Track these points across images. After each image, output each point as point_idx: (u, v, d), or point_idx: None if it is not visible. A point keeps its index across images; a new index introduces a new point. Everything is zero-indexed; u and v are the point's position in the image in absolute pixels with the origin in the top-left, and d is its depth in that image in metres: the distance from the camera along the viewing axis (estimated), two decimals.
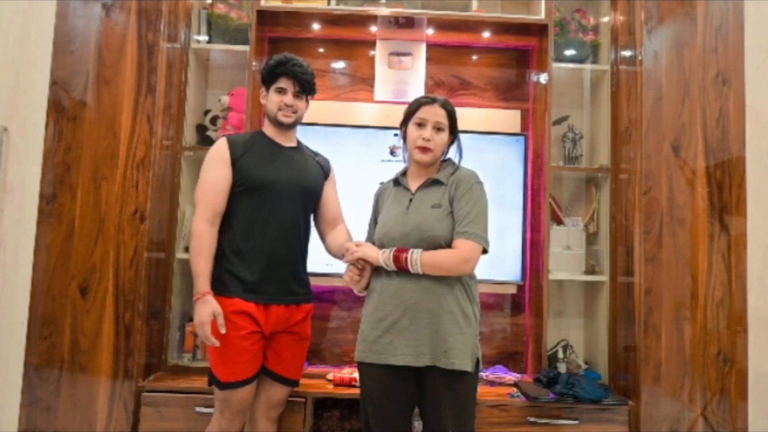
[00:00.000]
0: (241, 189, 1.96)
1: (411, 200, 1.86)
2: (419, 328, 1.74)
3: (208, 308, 1.85)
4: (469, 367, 1.72)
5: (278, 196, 1.97)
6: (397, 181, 1.95)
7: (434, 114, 1.84)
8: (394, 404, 1.79)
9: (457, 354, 1.71)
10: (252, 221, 1.96)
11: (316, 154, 2.18)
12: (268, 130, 2.08)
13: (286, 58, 2.02)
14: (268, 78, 2.04)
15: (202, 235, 1.91)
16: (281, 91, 2.03)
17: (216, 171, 1.96)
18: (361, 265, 1.86)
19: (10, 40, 2.17)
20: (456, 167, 1.89)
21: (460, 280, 1.78)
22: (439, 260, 1.73)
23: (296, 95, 2.04)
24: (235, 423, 1.95)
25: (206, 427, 2.00)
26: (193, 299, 1.88)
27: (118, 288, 2.23)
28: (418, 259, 1.73)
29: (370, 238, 1.98)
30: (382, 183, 2.07)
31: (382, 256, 1.78)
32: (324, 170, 2.16)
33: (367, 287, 1.89)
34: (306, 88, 2.05)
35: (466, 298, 1.78)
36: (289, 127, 2.06)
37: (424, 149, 1.83)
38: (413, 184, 1.90)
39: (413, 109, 1.88)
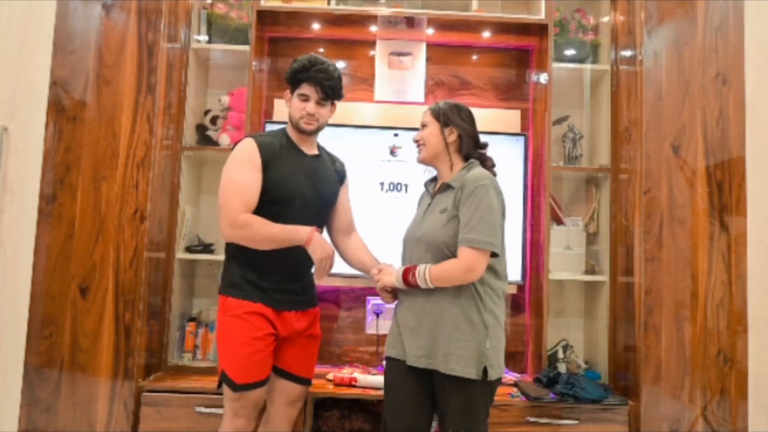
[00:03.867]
0: (265, 199, 1.89)
1: (430, 205, 1.92)
2: (422, 332, 1.78)
3: (323, 241, 1.86)
4: (472, 375, 1.70)
5: (300, 210, 1.93)
6: (426, 186, 2.02)
7: (422, 118, 1.95)
8: (407, 399, 1.81)
9: (457, 360, 1.71)
10: None
11: (334, 160, 2.13)
12: (292, 133, 2.01)
13: (310, 63, 1.92)
14: (292, 81, 1.96)
15: (253, 218, 1.85)
16: (304, 98, 1.94)
17: (248, 173, 1.88)
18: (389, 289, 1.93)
19: (10, 40, 2.17)
20: (469, 170, 1.86)
21: (468, 287, 1.76)
22: (444, 273, 1.75)
23: (319, 102, 1.95)
24: (251, 423, 1.91)
25: (218, 428, 1.95)
26: (306, 244, 1.85)
27: (118, 288, 2.23)
28: (427, 276, 1.76)
29: None
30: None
31: (395, 278, 1.85)
32: (340, 177, 2.12)
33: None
34: (330, 94, 1.95)
35: (473, 306, 1.76)
36: (311, 134, 2.00)
37: (418, 148, 1.94)
38: (435, 188, 1.96)
39: None
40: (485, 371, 1.72)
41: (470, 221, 1.73)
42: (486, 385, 1.74)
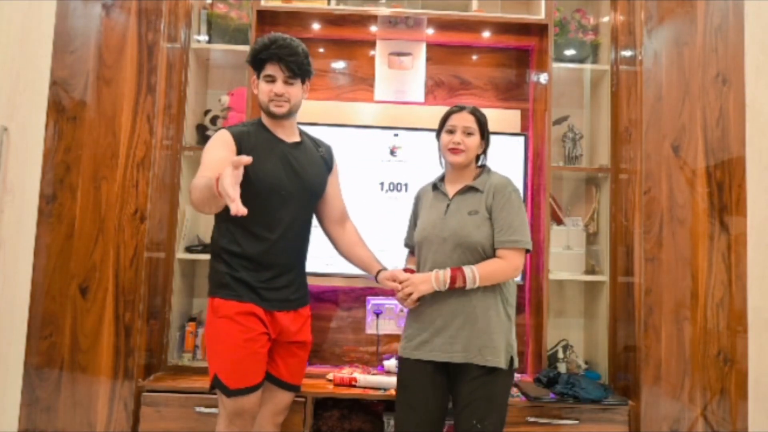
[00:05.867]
0: (244, 194, 1.72)
1: (448, 206, 1.94)
2: (453, 328, 1.85)
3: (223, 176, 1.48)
4: (502, 365, 1.82)
5: (284, 202, 1.86)
6: (435, 186, 2.03)
7: (463, 120, 1.94)
8: (426, 397, 1.87)
9: (491, 352, 1.82)
10: (256, 227, 1.83)
11: (318, 144, 2.04)
12: (266, 120, 1.92)
13: (271, 40, 1.80)
14: (255, 64, 1.86)
15: (194, 181, 1.67)
16: (270, 79, 1.83)
17: (219, 152, 1.76)
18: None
19: (10, 40, 2.17)
20: (489, 173, 1.97)
21: (494, 285, 1.87)
22: (494, 272, 1.85)
23: (287, 82, 1.84)
24: (248, 429, 1.86)
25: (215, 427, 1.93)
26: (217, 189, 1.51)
27: (118, 288, 2.23)
28: (477, 276, 1.82)
29: (410, 239, 2.09)
30: (422, 186, 2.13)
31: (437, 283, 1.84)
32: (327, 164, 2.03)
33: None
34: (297, 72, 1.83)
35: (500, 301, 1.89)
36: (285, 117, 1.88)
37: (455, 150, 1.93)
38: (450, 189, 1.98)
39: (444, 118, 1.99)
40: (511, 360, 1.86)
41: (512, 224, 1.86)
42: (510, 374, 1.88)
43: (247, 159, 1.49)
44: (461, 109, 1.96)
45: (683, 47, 2.33)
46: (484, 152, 2.00)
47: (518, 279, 2.56)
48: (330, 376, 2.41)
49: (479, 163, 2.01)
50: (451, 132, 1.94)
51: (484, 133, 1.97)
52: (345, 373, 2.39)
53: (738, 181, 2.24)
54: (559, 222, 2.71)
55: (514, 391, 2.36)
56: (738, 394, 2.19)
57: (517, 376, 2.53)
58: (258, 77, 1.89)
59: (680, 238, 2.27)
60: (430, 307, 1.88)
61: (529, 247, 1.89)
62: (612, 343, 2.50)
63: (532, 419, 2.22)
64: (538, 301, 2.57)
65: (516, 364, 1.88)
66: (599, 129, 2.73)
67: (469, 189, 1.93)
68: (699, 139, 2.29)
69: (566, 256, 2.64)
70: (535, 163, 2.69)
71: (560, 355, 2.60)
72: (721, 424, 2.19)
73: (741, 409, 2.18)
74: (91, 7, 2.29)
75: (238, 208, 1.44)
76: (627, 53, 2.49)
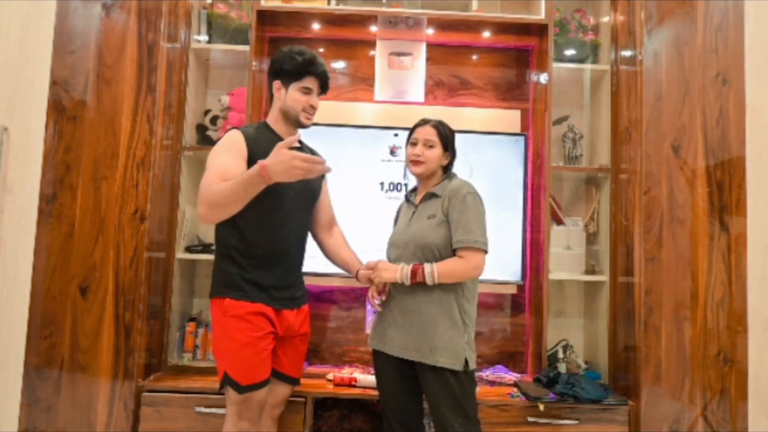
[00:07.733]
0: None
1: (414, 213, 2.04)
2: (408, 326, 1.92)
3: (274, 158, 1.66)
4: (456, 367, 1.85)
5: (290, 203, 1.94)
6: (407, 197, 2.13)
7: (425, 133, 2.02)
8: (394, 384, 1.97)
9: (441, 353, 1.86)
10: (264, 227, 1.91)
11: (314, 152, 2.14)
12: (278, 126, 2.00)
13: (313, 57, 1.96)
14: (295, 74, 1.95)
15: (214, 185, 1.76)
16: (308, 91, 1.96)
17: (230, 158, 1.84)
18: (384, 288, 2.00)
19: (10, 40, 2.16)
20: (451, 179, 2.03)
21: (449, 291, 1.91)
22: (453, 270, 1.89)
23: (317, 96, 2.01)
24: (256, 424, 1.91)
25: (221, 429, 1.94)
26: (265, 176, 1.68)
27: (118, 288, 2.23)
28: (435, 272, 1.87)
29: None
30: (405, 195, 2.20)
31: (400, 275, 1.91)
32: None
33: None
34: (326, 89, 2.02)
35: (454, 307, 1.91)
36: (305, 128, 2.02)
37: (414, 162, 2.01)
38: (418, 198, 2.07)
39: (411, 131, 2.07)
40: (466, 362, 1.88)
41: (467, 225, 1.91)
42: (468, 376, 1.90)
43: (296, 137, 1.71)
44: (425, 122, 2.04)
45: (683, 47, 2.32)
46: (451, 163, 2.05)
47: (518, 279, 2.58)
48: (330, 376, 2.41)
49: (448, 172, 2.06)
50: (414, 144, 2.02)
51: (447, 146, 2.03)
52: (345, 373, 2.40)
53: (738, 181, 2.24)
54: (559, 222, 2.71)
55: (514, 390, 2.36)
56: (738, 394, 2.18)
57: (516, 375, 2.54)
58: (287, 85, 1.97)
59: (680, 238, 2.27)
60: (392, 301, 1.96)
61: (486, 248, 1.91)
62: (612, 343, 2.50)
63: (532, 419, 2.22)
64: (538, 301, 2.57)
65: (471, 365, 1.89)
66: (599, 129, 2.73)
67: (431, 195, 2.00)
68: (699, 139, 2.29)
69: (566, 256, 2.64)
70: (535, 163, 2.69)
71: (560, 355, 2.60)
72: (721, 424, 2.19)
73: (741, 409, 2.18)
74: (91, 7, 2.29)
75: (327, 166, 1.69)
76: (627, 53, 2.49)
